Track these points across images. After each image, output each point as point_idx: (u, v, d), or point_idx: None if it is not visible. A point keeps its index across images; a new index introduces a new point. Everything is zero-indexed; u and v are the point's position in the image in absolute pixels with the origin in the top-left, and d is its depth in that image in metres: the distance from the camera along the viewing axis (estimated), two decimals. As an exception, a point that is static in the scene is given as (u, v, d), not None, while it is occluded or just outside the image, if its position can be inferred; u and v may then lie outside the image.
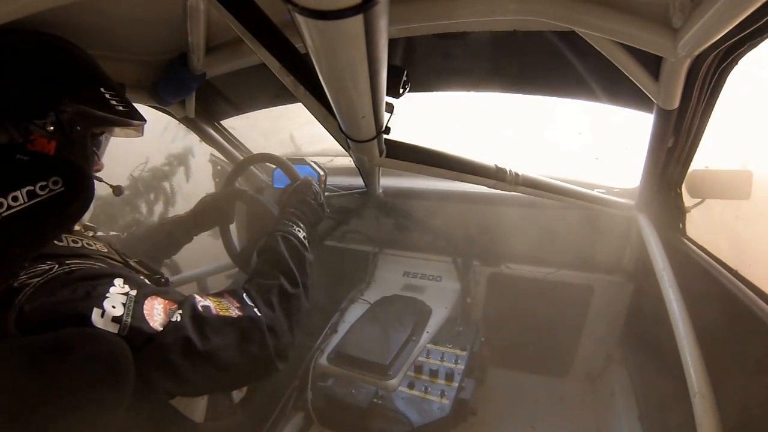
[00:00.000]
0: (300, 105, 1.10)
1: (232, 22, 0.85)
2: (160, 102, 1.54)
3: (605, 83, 1.41)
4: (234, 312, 0.94)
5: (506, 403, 2.04)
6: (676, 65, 0.96)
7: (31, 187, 0.75)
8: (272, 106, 2.07)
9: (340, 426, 1.57)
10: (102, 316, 0.73)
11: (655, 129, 1.31)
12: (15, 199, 0.73)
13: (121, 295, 0.77)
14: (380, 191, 2.12)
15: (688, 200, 1.56)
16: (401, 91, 0.93)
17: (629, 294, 1.98)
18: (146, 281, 0.91)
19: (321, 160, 2.30)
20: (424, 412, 1.48)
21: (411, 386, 1.58)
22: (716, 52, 0.99)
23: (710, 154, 1.46)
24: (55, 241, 0.84)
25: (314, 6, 0.43)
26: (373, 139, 1.00)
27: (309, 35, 0.51)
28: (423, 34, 1.30)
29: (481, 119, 2.55)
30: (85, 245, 0.89)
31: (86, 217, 0.97)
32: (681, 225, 1.58)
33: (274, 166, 2.04)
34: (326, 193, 2.14)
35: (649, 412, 1.62)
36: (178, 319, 0.83)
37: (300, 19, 0.45)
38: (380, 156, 1.19)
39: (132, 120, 0.95)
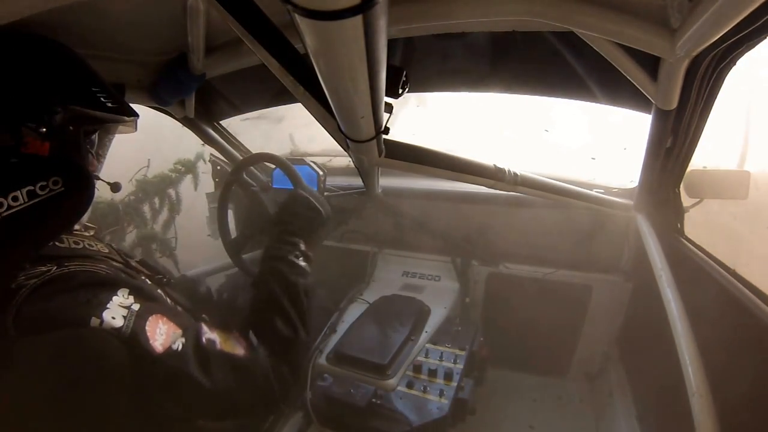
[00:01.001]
0: (299, 105, 1.10)
1: (232, 22, 0.85)
2: (160, 102, 1.54)
3: (603, 84, 1.41)
4: (240, 351, 0.93)
5: (505, 403, 2.04)
6: (674, 65, 0.97)
7: (32, 187, 0.75)
8: (272, 107, 2.07)
9: (339, 425, 1.57)
10: (100, 325, 0.73)
11: (653, 129, 1.31)
12: (15, 199, 0.73)
13: (123, 308, 0.77)
14: (379, 191, 2.12)
15: (686, 200, 1.57)
16: (400, 91, 0.93)
17: (627, 294, 1.99)
18: (154, 291, 0.91)
19: (320, 160, 2.30)
20: (423, 411, 1.48)
21: (410, 386, 1.58)
22: (714, 52, 0.99)
23: (708, 155, 1.46)
24: (56, 243, 0.84)
25: (314, 6, 0.43)
26: (372, 139, 1.01)
27: (308, 36, 0.52)
28: (422, 35, 1.31)
29: (480, 119, 2.56)
30: (86, 246, 0.89)
31: (84, 218, 0.97)
32: (679, 225, 1.59)
33: (273, 166, 2.05)
34: (326, 193, 2.16)
35: (648, 411, 1.62)
36: (179, 348, 0.82)
37: (299, 19, 0.46)
38: (379, 156, 1.19)
39: (122, 116, 0.95)
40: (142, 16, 1.13)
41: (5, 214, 0.72)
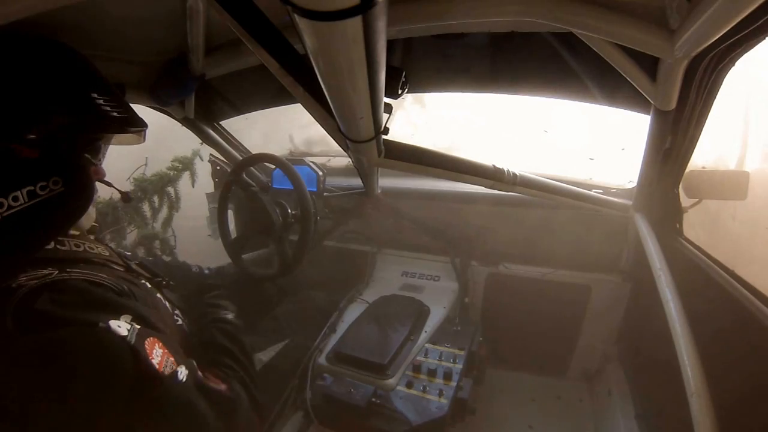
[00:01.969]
0: (299, 106, 1.10)
1: (232, 23, 0.85)
2: (160, 103, 1.54)
3: (602, 84, 1.41)
4: (223, 386, 0.94)
5: (504, 403, 2.05)
6: (673, 66, 0.97)
7: (32, 188, 0.75)
8: (271, 107, 2.07)
9: (339, 425, 1.57)
10: (107, 330, 0.73)
11: (652, 130, 1.32)
12: (15, 199, 0.73)
13: (126, 329, 0.76)
14: (379, 191, 2.12)
15: (685, 201, 1.57)
16: (400, 91, 0.93)
17: (626, 294, 1.99)
18: (156, 320, 0.88)
19: (320, 160, 2.31)
20: (423, 411, 1.49)
21: (409, 385, 1.58)
22: (713, 53, 0.99)
23: (707, 155, 1.47)
24: (57, 245, 0.84)
25: (313, 7, 0.43)
26: (371, 139, 1.01)
27: (308, 36, 0.52)
28: (421, 35, 1.31)
29: (479, 120, 2.56)
30: (87, 249, 0.89)
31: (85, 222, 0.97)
32: (678, 225, 1.59)
33: (273, 167, 2.05)
34: (325, 194, 2.17)
35: (646, 411, 1.63)
36: (184, 380, 0.82)
37: (299, 20, 0.46)
38: (379, 156, 1.19)
39: (128, 126, 0.91)
40: (142, 16, 1.13)
41: (6, 214, 0.72)
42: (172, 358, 0.81)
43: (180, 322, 1.03)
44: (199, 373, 0.88)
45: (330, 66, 0.63)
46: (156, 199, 2.88)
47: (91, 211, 0.94)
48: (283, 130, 2.80)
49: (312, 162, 2.13)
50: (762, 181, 1.53)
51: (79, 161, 0.86)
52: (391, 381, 1.54)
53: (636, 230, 1.63)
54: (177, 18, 1.15)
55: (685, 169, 1.46)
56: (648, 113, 1.29)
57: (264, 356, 1.53)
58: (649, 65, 1.06)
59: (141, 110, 1.09)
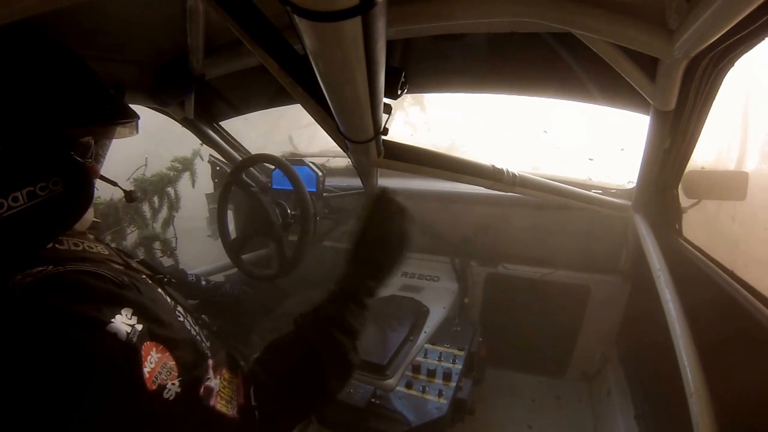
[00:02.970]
0: (299, 106, 1.10)
1: (231, 23, 0.85)
2: (160, 103, 1.54)
3: (602, 85, 1.42)
4: (232, 411, 0.80)
5: (503, 403, 2.05)
6: (672, 66, 0.97)
7: (32, 188, 0.75)
8: (271, 107, 2.07)
9: (339, 425, 1.57)
10: (106, 326, 0.70)
11: (651, 130, 1.32)
12: (15, 199, 0.73)
13: (128, 325, 0.72)
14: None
15: (684, 201, 1.57)
16: (399, 92, 0.93)
17: (626, 294, 1.99)
18: (160, 316, 0.82)
19: (319, 160, 2.31)
20: (422, 411, 1.49)
21: (409, 386, 1.58)
22: (712, 53, 0.99)
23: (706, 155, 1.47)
24: (56, 245, 0.83)
25: (313, 8, 0.43)
26: (371, 140, 1.01)
27: (307, 37, 0.52)
28: (421, 36, 1.31)
29: (479, 120, 2.56)
30: (86, 248, 0.89)
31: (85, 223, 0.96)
32: (677, 226, 1.59)
33: (273, 167, 2.05)
34: (324, 194, 2.16)
35: (645, 411, 1.62)
36: (171, 397, 0.72)
37: (299, 20, 0.46)
38: (378, 157, 1.19)
39: (120, 120, 0.92)
40: (141, 17, 1.13)
41: (5, 214, 0.72)
42: (171, 363, 0.75)
43: (182, 318, 1.02)
44: (209, 384, 0.79)
45: (329, 66, 0.63)
46: (156, 199, 2.88)
47: (90, 210, 0.94)
48: (283, 131, 2.80)
49: (312, 162, 2.12)
50: (761, 181, 1.54)
51: (78, 161, 0.86)
52: (391, 381, 1.54)
53: (635, 231, 1.63)
54: (177, 18, 1.15)
55: (684, 170, 1.46)
56: (647, 113, 1.29)
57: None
58: (649, 65, 1.06)
59: (141, 110, 1.09)
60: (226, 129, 2.24)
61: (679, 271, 1.31)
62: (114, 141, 1.04)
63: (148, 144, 2.61)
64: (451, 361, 1.69)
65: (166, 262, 2.77)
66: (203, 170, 2.74)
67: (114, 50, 1.25)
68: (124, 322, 0.72)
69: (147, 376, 0.70)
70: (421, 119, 2.66)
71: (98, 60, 0.96)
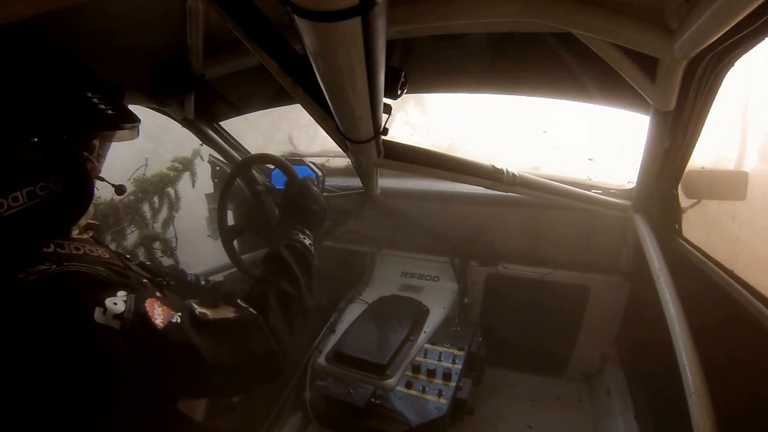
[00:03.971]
0: (299, 106, 1.10)
1: (231, 23, 0.85)
2: (160, 103, 1.54)
3: (602, 85, 1.41)
4: (230, 314, 0.98)
5: (503, 403, 2.04)
6: (672, 67, 0.97)
7: (31, 188, 0.75)
8: (271, 107, 2.07)
9: (339, 425, 1.57)
10: (104, 313, 0.74)
11: (651, 130, 1.32)
12: (15, 199, 0.73)
13: (123, 300, 0.78)
14: (378, 192, 2.12)
15: (684, 201, 1.57)
16: (399, 92, 0.93)
17: (625, 294, 1.99)
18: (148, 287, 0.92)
19: (319, 160, 2.31)
20: (422, 411, 1.49)
21: (409, 386, 1.58)
22: (712, 53, 0.99)
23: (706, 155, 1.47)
24: (57, 249, 0.84)
25: (313, 8, 0.43)
26: (371, 140, 1.01)
27: (307, 37, 0.52)
28: (421, 36, 1.31)
29: (478, 120, 2.56)
30: (87, 252, 0.89)
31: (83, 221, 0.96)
32: (677, 225, 1.59)
33: (273, 167, 2.05)
34: (324, 194, 2.16)
35: (645, 411, 1.62)
36: (178, 321, 0.85)
37: (299, 20, 0.46)
38: (378, 157, 1.19)
39: (122, 123, 0.93)
40: (141, 17, 1.13)
41: (5, 214, 0.72)
42: (173, 311, 0.87)
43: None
44: (198, 309, 0.93)
45: (329, 66, 0.63)
46: (156, 199, 2.88)
47: (90, 210, 0.94)
48: (283, 131, 2.80)
49: (311, 162, 2.12)
50: (761, 181, 1.53)
51: (78, 161, 0.86)
52: (391, 381, 1.54)
53: (635, 230, 1.63)
54: (177, 18, 1.15)
55: (684, 170, 1.46)
56: (647, 113, 1.29)
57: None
58: (649, 66, 1.06)
59: (141, 111, 1.09)
60: (226, 129, 2.24)
61: (679, 271, 1.31)
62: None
63: (149, 144, 2.62)
64: (450, 361, 1.69)
65: (166, 262, 2.77)
66: (203, 170, 2.74)
67: (114, 50, 1.24)
68: (118, 302, 0.77)
69: (160, 325, 0.81)
70: (421, 119, 2.65)
71: (98, 60, 0.96)
